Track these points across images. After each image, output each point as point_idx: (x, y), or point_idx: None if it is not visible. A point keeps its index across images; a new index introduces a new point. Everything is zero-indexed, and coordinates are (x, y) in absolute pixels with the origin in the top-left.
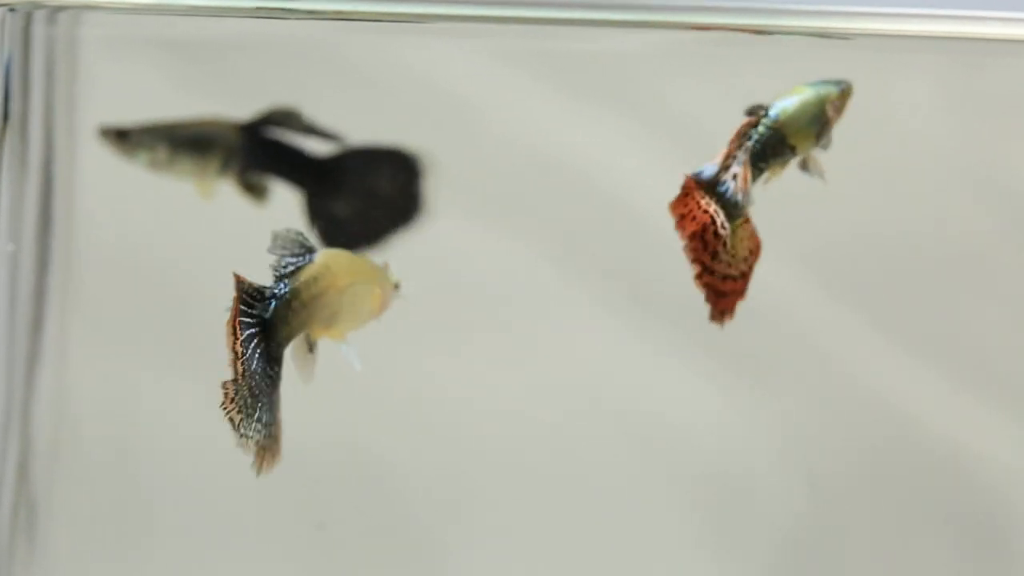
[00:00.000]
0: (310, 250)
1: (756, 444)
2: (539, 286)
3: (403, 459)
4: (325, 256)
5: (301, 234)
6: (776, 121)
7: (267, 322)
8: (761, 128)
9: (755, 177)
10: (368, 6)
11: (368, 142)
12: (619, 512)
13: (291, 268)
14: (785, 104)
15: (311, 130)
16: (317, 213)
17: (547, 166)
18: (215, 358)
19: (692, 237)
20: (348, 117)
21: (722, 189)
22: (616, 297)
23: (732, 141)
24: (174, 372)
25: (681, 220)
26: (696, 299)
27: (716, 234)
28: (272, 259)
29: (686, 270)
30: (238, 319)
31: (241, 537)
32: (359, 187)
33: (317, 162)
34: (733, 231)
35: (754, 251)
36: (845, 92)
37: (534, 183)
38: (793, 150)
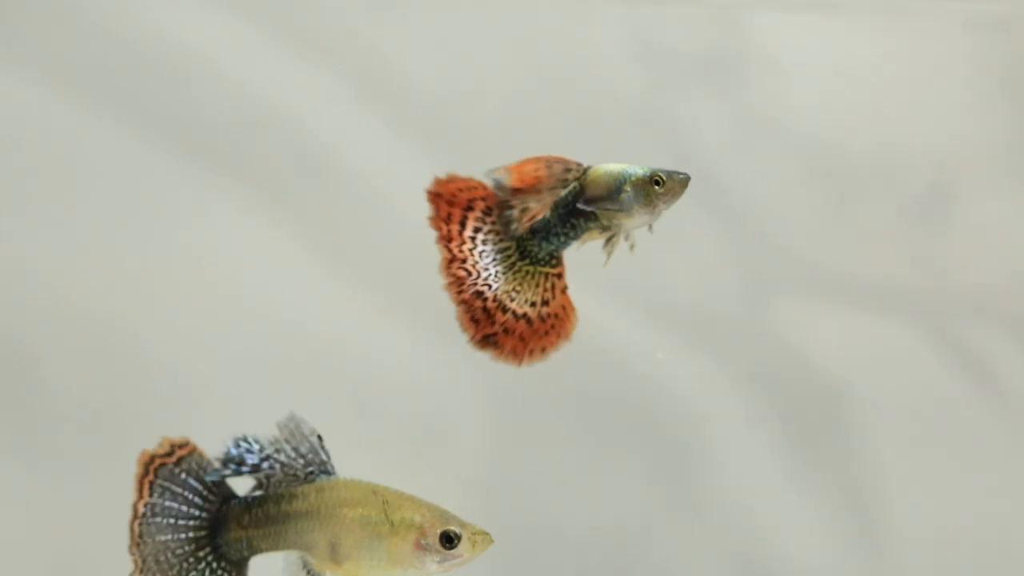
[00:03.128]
0: (322, 464)
1: (451, 381)
2: (249, 232)
3: None
4: (336, 480)
5: (320, 438)
6: (583, 180)
7: (217, 518)
8: (574, 183)
9: (569, 235)
10: None
11: None
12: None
13: (284, 456)
14: (595, 167)
15: None
16: None
17: (261, 112)
18: None
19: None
20: (72, 60)
21: (507, 214)
22: (327, 248)
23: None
24: None
25: (436, 197)
26: (409, 252)
27: (462, 222)
28: (273, 434)
29: (394, 225)
30: (154, 480)
31: None
32: None
33: None
34: (531, 274)
35: (554, 305)
36: (662, 181)
37: (248, 128)
38: (596, 217)
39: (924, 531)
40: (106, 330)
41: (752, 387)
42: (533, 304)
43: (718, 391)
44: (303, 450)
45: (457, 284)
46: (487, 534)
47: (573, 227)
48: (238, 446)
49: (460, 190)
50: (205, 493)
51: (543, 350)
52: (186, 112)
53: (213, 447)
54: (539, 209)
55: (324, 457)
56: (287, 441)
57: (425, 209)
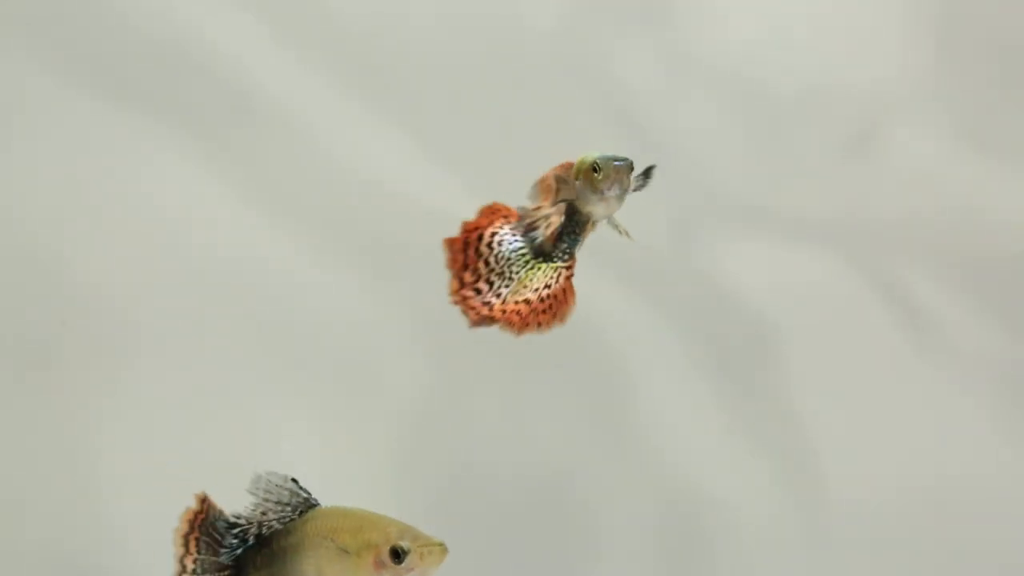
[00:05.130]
0: (305, 501)
1: (383, 325)
2: (181, 173)
3: None
4: (318, 509)
5: (295, 482)
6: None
7: (239, 563)
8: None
9: (576, 232)
10: None
11: None
12: (259, 381)
13: (272, 515)
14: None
15: None
16: None
17: (191, 48)
18: None
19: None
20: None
21: (533, 234)
22: (262, 191)
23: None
24: None
25: (470, 232)
26: (344, 193)
27: (486, 239)
28: (251, 500)
29: (329, 166)
30: (200, 536)
31: None
32: None
33: None
34: (543, 270)
35: (555, 289)
36: (598, 168)
37: (177, 66)
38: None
39: (853, 467)
40: (34, 267)
41: (681, 323)
42: (536, 290)
43: (647, 328)
44: (285, 499)
45: (469, 305)
46: (440, 545)
47: (576, 223)
48: (233, 536)
49: (491, 213)
50: (224, 542)
51: (539, 325)
52: (114, 50)
53: (150, 388)
54: (557, 217)
55: (305, 495)
56: (266, 500)
57: (354, 148)
